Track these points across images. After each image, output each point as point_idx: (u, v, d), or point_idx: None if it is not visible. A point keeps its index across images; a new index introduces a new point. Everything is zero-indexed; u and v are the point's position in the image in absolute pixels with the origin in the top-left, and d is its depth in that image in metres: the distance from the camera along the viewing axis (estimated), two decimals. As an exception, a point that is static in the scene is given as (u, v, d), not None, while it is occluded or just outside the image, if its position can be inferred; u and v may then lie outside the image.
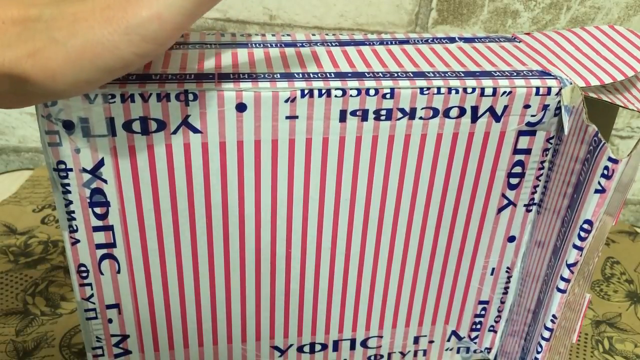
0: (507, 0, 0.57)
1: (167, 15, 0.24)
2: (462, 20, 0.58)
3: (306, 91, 0.31)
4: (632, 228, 0.60)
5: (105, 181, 0.31)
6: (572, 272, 0.33)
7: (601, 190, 0.30)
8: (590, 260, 0.34)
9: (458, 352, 0.43)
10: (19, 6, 0.25)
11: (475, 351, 0.43)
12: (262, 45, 0.35)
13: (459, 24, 0.59)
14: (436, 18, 0.58)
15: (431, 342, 0.42)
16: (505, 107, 0.33)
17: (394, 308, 0.39)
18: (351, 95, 0.31)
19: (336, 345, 0.41)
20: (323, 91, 0.31)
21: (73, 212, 0.32)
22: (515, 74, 0.33)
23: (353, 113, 0.32)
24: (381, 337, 0.41)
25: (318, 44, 0.36)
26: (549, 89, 0.33)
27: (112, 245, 0.33)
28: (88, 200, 0.32)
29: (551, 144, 0.35)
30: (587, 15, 0.58)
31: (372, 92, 0.31)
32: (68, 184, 0.31)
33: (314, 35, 0.37)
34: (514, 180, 0.36)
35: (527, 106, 0.33)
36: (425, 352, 0.42)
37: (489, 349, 0.43)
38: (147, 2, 0.24)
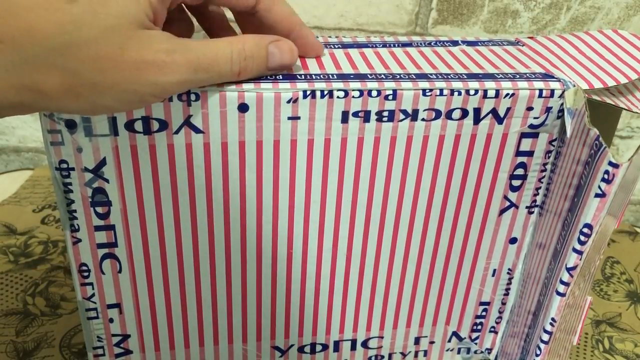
0: (507, 0, 0.57)
1: (189, 83, 0.28)
2: (462, 20, 0.58)
3: (308, 92, 0.31)
4: (632, 228, 0.61)
5: (107, 180, 0.31)
6: (571, 275, 0.33)
7: (601, 195, 0.30)
8: (591, 262, 0.34)
9: (459, 352, 0.43)
10: (15, 22, 0.24)
11: (475, 352, 0.43)
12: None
13: (459, 24, 0.59)
14: (436, 18, 0.58)
15: (432, 342, 0.42)
16: (508, 109, 0.33)
17: (395, 309, 0.40)
18: (353, 97, 0.31)
19: (337, 346, 0.41)
20: (325, 92, 0.31)
21: (75, 211, 0.32)
22: (518, 76, 0.33)
23: (355, 114, 0.32)
24: (382, 337, 0.41)
25: (320, 45, 0.36)
26: (552, 91, 0.33)
27: (114, 244, 0.33)
28: (90, 200, 0.32)
29: (554, 146, 0.35)
30: (587, 16, 0.58)
31: (374, 93, 0.31)
32: (70, 183, 0.31)
33: (316, 37, 0.37)
34: (516, 182, 0.36)
35: (529, 108, 0.33)
36: (426, 353, 0.43)
37: (489, 350, 0.43)
38: (178, 68, 0.27)
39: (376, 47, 0.36)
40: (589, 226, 0.31)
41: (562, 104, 0.33)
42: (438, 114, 0.32)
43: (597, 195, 0.30)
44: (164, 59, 0.26)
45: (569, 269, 0.33)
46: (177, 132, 0.31)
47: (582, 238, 0.32)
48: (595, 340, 0.47)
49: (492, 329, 0.42)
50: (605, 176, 0.29)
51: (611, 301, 0.51)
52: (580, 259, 0.32)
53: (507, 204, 0.36)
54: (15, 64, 0.24)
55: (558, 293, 0.34)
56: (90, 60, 0.24)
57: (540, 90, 0.32)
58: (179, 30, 0.33)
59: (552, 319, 0.35)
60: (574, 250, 0.32)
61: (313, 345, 0.40)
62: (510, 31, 0.59)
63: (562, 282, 0.33)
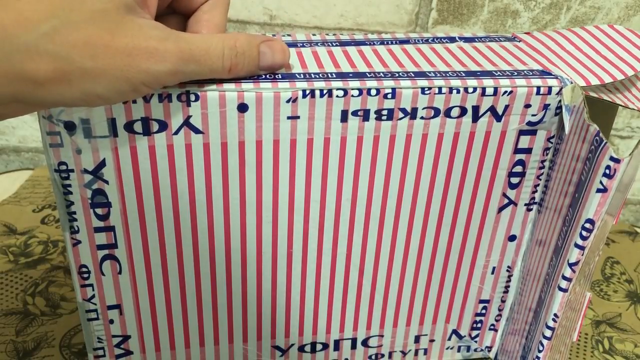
0: (507, 0, 0.57)
1: (181, 74, 0.28)
2: (462, 20, 0.58)
3: (307, 91, 0.31)
4: (632, 228, 0.61)
5: (106, 182, 0.31)
6: (573, 271, 0.33)
7: (603, 190, 0.30)
8: (591, 259, 0.34)
9: (459, 350, 0.43)
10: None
11: (475, 350, 0.43)
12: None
13: (459, 24, 0.59)
14: (436, 18, 0.58)
15: (432, 341, 0.42)
16: (506, 106, 0.33)
17: (395, 307, 0.40)
18: (352, 96, 0.31)
19: (337, 345, 0.41)
20: (324, 91, 0.31)
21: (74, 213, 0.32)
22: (516, 73, 0.33)
23: (354, 113, 0.32)
24: (382, 336, 0.41)
25: (319, 44, 0.36)
26: (550, 88, 0.33)
27: (114, 246, 0.33)
28: (89, 201, 0.32)
29: (552, 143, 0.35)
30: (587, 15, 0.58)
31: (373, 92, 0.31)
32: (69, 185, 0.31)
33: (314, 35, 0.37)
34: (514, 180, 0.36)
35: (528, 105, 0.33)
36: (426, 351, 0.43)
37: (489, 348, 0.43)
38: (169, 56, 0.27)
39: (374, 44, 0.36)
40: (591, 221, 0.31)
41: (559, 101, 0.33)
42: (437, 112, 0.32)
43: (598, 191, 0.30)
44: (156, 46, 0.26)
45: (571, 265, 0.33)
46: (176, 132, 0.31)
47: (584, 233, 0.32)
48: (595, 341, 0.47)
49: (492, 327, 0.42)
50: (607, 171, 0.29)
51: (611, 301, 0.51)
52: (583, 254, 0.32)
53: (506, 201, 0.36)
54: (6, 53, 0.24)
55: (560, 289, 0.34)
56: (80, 44, 0.24)
57: (538, 88, 0.32)
58: (171, 26, 0.33)
59: (555, 314, 0.34)
60: (576, 245, 0.32)
61: (313, 345, 0.40)
62: (510, 31, 0.59)
63: (564, 278, 0.33)
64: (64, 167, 0.31)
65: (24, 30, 0.24)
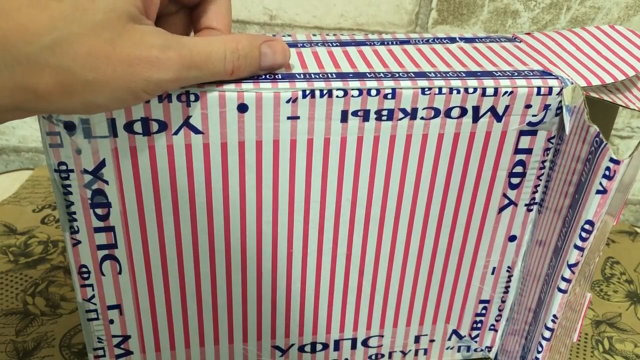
0: (507, 0, 0.57)
1: (183, 80, 0.28)
2: (462, 20, 0.58)
3: (307, 92, 0.31)
4: (632, 228, 0.61)
5: (106, 182, 0.31)
6: (573, 272, 0.33)
7: (602, 191, 0.30)
8: (591, 260, 0.34)
9: (459, 350, 0.43)
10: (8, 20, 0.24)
11: (475, 350, 0.43)
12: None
13: (459, 24, 0.59)
14: (436, 18, 0.58)
15: (432, 341, 0.42)
16: (507, 107, 0.33)
17: (395, 307, 0.40)
18: (353, 96, 0.31)
19: (337, 345, 0.41)
20: (324, 91, 0.31)
21: (74, 213, 0.32)
22: (516, 73, 0.33)
23: (354, 113, 0.32)
24: (382, 336, 0.41)
25: (319, 44, 0.36)
26: (550, 88, 0.33)
27: (114, 246, 0.33)
28: (89, 201, 0.32)
29: (552, 143, 0.35)
30: (587, 15, 0.58)
31: (373, 92, 0.31)
32: (69, 185, 0.31)
33: (314, 35, 0.37)
34: (515, 180, 0.36)
35: (528, 106, 0.33)
36: (426, 351, 0.43)
37: (489, 348, 0.43)
38: (171, 64, 0.26)
39: (374, 44, 0.36)
40: (590, 223, 0.31)
41: (560, 102, 0.33)
42: (437, 112, 0.32)
43: (598, 192, 0.30)
44: (158, 55, 0.26)
45: (570, 266, 0.33)
46: (176, 132, 0.31)
47: (584, 234, 0.32)
48: (595, 341, 0.47)
49: (492, 327, 0.42)
50: (607, 172, 0.29)
51: (611, 301, 0.51)
52: (582, 256, 0.32)
53: (506, 201, 0.36)
54: (7, 64, 0.23)
55: (560, 290, 0.34)
56: (82, 57, 0.24)
57: (539, 88, 0.32)
58: (174, 26, 0.32)
59: (554, 315, 0.35)
60: (576, 247, 0.32)
61: (313, 345, 0.40)
62: (510, 31, 0.59)
63: (563, 279, 0.33)
64: (64, 167, 0.31)
65: (25, 41, 0.23)
